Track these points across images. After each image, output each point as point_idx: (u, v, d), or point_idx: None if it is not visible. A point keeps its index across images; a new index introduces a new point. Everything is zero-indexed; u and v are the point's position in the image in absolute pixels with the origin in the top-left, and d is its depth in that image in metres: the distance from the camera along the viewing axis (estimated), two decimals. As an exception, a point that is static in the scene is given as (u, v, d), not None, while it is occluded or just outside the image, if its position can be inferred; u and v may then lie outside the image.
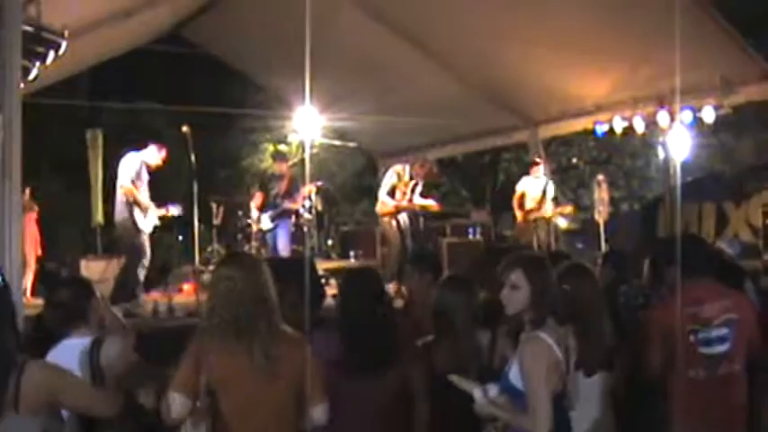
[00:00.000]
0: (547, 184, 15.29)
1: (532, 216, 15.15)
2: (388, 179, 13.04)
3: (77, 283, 5.48)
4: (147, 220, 11.03)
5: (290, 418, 4.60)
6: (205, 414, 4.47)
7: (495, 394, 4.60)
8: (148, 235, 11.06)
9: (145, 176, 11.14)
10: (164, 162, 11.41)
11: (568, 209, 16.23)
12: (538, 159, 15.90)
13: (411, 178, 13.01)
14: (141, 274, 10.95)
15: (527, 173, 15.74)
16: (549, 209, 15.15)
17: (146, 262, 11.02)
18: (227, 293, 4.53)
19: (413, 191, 13.06)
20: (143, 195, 11.06)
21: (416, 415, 5.12)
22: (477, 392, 4.62)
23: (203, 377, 4.44)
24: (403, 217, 12.94)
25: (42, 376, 4.09)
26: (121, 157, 11.19)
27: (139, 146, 11.36)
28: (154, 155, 11.29)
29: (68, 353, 4.95)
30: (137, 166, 11.10)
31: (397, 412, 5.16)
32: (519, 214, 15.36)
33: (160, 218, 11.28)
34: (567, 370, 4.59)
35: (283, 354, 4.48)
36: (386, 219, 13.02)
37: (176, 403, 4.45)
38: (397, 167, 13.18)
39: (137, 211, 10.99)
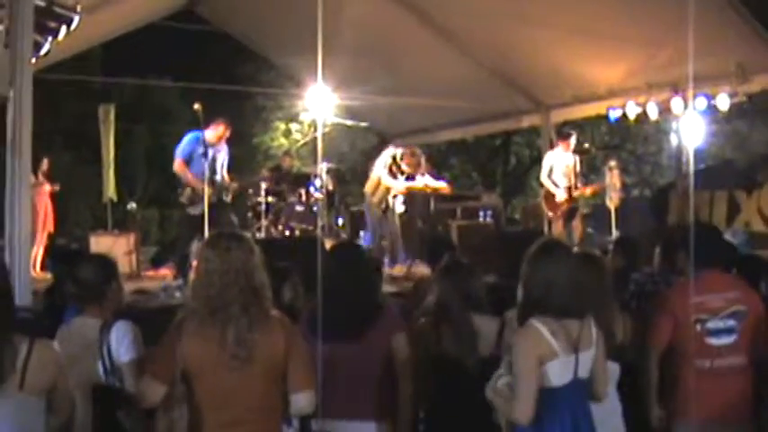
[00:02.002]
0: (575, 160, 14.67)
1: (576, 193, 14.44)
2: (386, 158, 12.96)
3: (103, 262, 5.41)
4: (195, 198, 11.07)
5: (272, 405, 4.46)
6: (179, 401, 4.40)
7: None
8: (201, 214, 10.94)
9: (198, 154, 11.13)
10: (219, 138, 11.41)
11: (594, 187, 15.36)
12: (571, 132, 15.28)
13: (402, 166, 12.96)
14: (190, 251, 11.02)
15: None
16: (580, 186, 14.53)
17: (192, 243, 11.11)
18: (203, 275, 4.39)
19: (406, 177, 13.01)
20: (194, 172, 11.13)
21: (400, 392, 5.15)
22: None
23: (178, 363, 4.32)
24: (393, 201, 12.96)
25: (50, 358, 4.07)
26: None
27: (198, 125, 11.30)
28: (210, 133, 11.31)
29: (83, 331, 4.94)
30: (193, 143, 11.18)
31: (381, 379, 5.20)
32: (551, 187, 14.42)
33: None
34: (575, 363, 4.55)
35: (259, 338, 4.31)
36: (375, 200, 12.97)
37: (150, 388, 4.41)
38: (392, 150, 13.12)
39: (187, 190, 11.08)
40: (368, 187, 13.29)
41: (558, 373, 4.50)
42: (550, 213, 14.46)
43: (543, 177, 14.62)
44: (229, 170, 11.89)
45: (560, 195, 14.24)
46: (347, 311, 5.23)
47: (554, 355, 4.46)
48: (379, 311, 5.37)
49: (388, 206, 12.99)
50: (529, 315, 4.57)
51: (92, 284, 5.10)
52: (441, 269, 5.81)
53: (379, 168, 13.09)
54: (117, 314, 5.12)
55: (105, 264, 5.33)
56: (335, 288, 5.28)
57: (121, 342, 4.90)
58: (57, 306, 6.01)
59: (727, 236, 12.77)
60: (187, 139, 11.33)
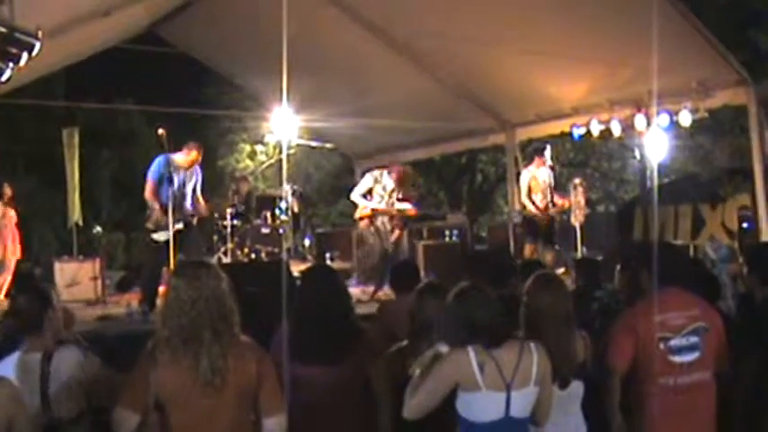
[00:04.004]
0: (550, 174, 14.77)
1: (553, 210, 14.52)
2: (365, 182, 12.82)
3: (35, 291, 5.40)
4: (163, 224, 10.99)
5: (246, 430, 4.49)
6: (153, 429, 4.39)
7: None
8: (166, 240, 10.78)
9: (172, 178, 11.03)
10: (192, 162, 11.33)
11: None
12: (545, 145, 15.37)
13: (387, 185, 12.78)
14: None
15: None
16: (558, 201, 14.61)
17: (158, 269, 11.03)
18: (173, 304, 4.39)
19: (390, 197, 12.84)
20: (163, 198, 11.00)
21: (379, 418, 5.12)
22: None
23: (152, 392, 4.33)
24: (382, 220, 12.77)
25: (8, 395, 4.05)
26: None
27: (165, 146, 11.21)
28: (180, 156, 11.24)
29: (26, 366, 4.94)
30: (159, 169, 11.09)
31: (354, 403, 5.18)
32: (532, 208, 14.45)
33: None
34: (507, 401, 4.57)
35: (231, 364, 4.34)
36: (363, 222, 12.84)
37: (123, 419, 4.38)
38: (375, 173, 12.97)
39: (153, 215, 10.99)
40: (357, 214, 13.08)
41: (482, 409, 4.55)
42: (529, 244, 14.42)
43: (524, 199, 14.55)
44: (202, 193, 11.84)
45: (541, 216, 14.22)
46: (326, 335, 5.22)
47: (476, 386, 4.51)
48: (358, 336, 5.37)
49: (377, 227, 12.83)
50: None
51: (26, 314, 5.10)
52: (421, 289, 5.75)
53: (355, 191, 12.91)
54: (60, 341, 5.14)
55: (41, 294, 5.32)
56: (313, 312, 5.28)
57: (60, 367, 4.93)
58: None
59: (708, 250, 12.90)
60: (157, 162, 11.22)
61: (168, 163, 11.09)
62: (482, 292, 4.82)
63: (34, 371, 4.89)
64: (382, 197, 12.69)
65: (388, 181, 12.72)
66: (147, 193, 11.12)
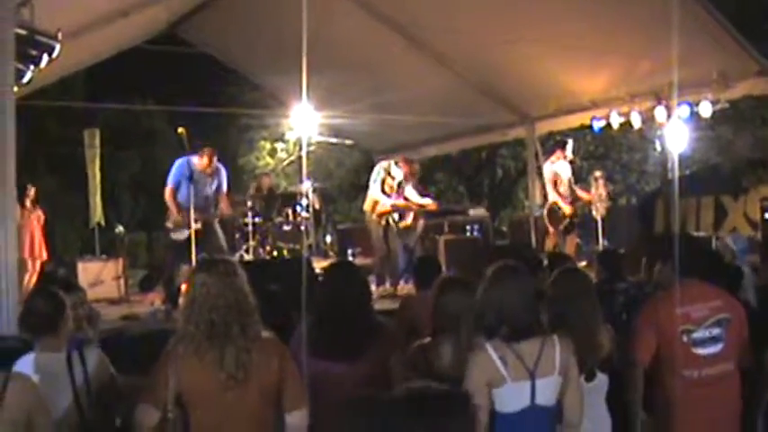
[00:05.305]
0: (569, 169, 14.67)
1: (577, 204, 14.39)
2: (378, 175, 12.78)
3: (51, 294, 5.43)
4: (182, 224, 11.15)
5: (268, 425, 4.50)
6: (175, 424, 4.40)
7: None
8: (185, 239, 11.02)
9: (191, 180, 11.15)
10: (206, 166, 11.46)
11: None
12: (567, 139, 15.26)
13: (396, 176, 12.76)
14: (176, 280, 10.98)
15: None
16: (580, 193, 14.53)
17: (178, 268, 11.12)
18: (202, 300, 4.40)
19: (399, 187, 12.78)
20: (182, 199, 11.26)
21: None
22: None
23: (173, 388, 4.34)
24: (394, 217, 12.73)
25: (27, 392, 4.08)
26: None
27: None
28: (197, 159, 11.37)
29: (47, 367, 4.97)
30: (181, 169, 11.22)
31: None
32: (559, 199, 14.26)
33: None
34: (531, 389, 4.56)
35: (255, 359, 4.37)
36: (375, 218, 12.76)
37: (145, 415, 4.40)
38: (383, 164, 12.94)
39: (173, 215, 11.12)
40: (366, 206, 13.05)
41: (509, 399, 4.55)
42: (551, 228, 14.30)
43: (550, 190, 14.43)
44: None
45: (567, 209, 14.14)
46: (347, 331, 5.24)
47: (502, 380, 4.51)
48: (376, 331, 5.38)
49: (388, 223, 12.78)
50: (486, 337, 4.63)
51: (44, 317, 5.15)
52: (446, 284, 5.67)
53: (372, 185, 12.89)
54: (81, 340, 5.20)
55: (52, 295, 5.36)
56: (335, 308, 5.31)
57: (99, 365, 5.02)
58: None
59: (729, 241, 12.85)
60: (176, 166, 11.41)
61: (188, 165, 11.21)
62: (520, 277, 4.81)
63: (53, 372, 4.92)
64: (392, 188, 12.67)
65: (397, 172, 12.69)
66: (167, 196, 11.32)
